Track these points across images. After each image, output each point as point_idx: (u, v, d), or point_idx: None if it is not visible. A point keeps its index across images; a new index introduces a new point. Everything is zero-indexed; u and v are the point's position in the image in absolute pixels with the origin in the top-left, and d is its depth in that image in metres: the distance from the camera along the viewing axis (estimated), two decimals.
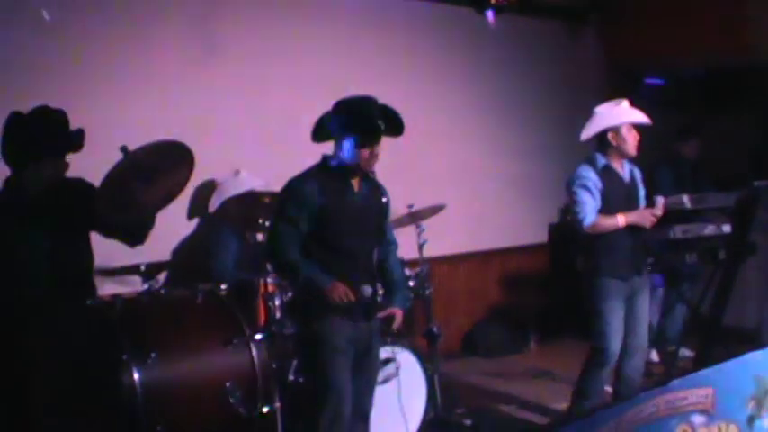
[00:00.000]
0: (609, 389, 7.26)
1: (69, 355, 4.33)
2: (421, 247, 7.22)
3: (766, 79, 9.28)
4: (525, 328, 9.82)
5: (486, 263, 9.75)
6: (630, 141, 6.42)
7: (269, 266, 5.66)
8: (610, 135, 6.42)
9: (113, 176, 4.72)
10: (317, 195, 5.12)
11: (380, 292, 5.57)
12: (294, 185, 5.21)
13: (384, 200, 5.48)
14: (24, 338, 4.48)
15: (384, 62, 8.71)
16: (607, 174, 6.44)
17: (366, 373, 5.43)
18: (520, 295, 9.90)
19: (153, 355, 4.04)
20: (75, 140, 4.90)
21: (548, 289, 9.76)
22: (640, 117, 6.44)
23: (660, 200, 6.35)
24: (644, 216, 6.34)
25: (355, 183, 5.30)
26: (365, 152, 5.17)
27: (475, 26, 9.32)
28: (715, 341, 6.39)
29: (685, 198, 7.32)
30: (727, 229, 7.01)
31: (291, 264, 5.09)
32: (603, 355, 6.44)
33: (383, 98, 8.55)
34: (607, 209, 6.38)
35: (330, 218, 5.14)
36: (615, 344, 6.42)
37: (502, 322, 9.70)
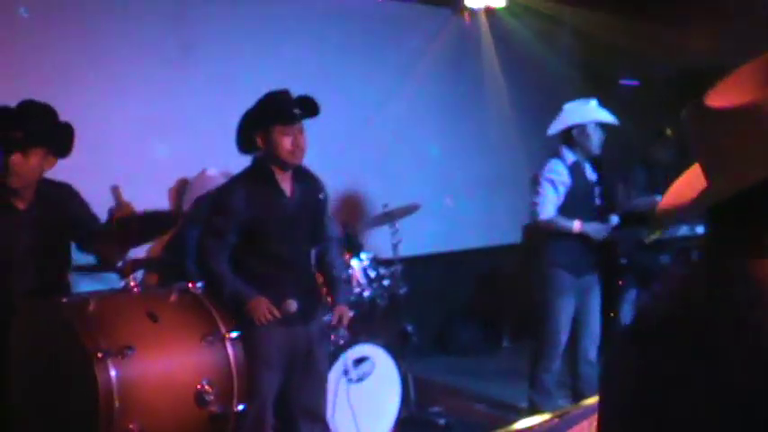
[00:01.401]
0: None
1: (44, 351, 4.33)
2: (395, 246, 7.24)
3: None
4: (498, 327, 9.87)
5: (460, 262, 9.77)
6: (595, 140, 6.49)
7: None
8: (575, 132, 6.49)
9: (102, 236, 4.89)
10: (243, 207, 5.09)
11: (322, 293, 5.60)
12: (220, 198, 5.22)
13: (321, 196, 5.45)
14: (3, 338, 4.49)
15: (357, 61, 8.72)
16: (576, 170, 6.51)
17: (312, 376, 5.44)
18: (493, 295, 9.93)
19: (128, 352, 4.04)
20: (64, 134, 4.87)
21: (521, 289, 9.80)
22: (607, 116, 6.51)
23: (615, 218, 6.47)
24: (599, 231, 6.45)
25: (287, 185, 5.25)
26: (286, 140, 5.09)
27: (448, 25, 9.35)
28: None
29: (658, 199, 7.36)
30: (700, 229, 7.06)
31: (218, 276, 5.08)
32: (554, 350, 6.65)
33: (357, 97, 8.62)
34: (570, 205, 6.46)
35: (258, 229, 5.14)
36: (563, 339, 6.67)
37: (475, 322, 9.74)
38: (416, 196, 7.77)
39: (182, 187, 7.21)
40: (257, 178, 5.19)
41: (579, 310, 6.68)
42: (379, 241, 7.91)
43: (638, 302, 8.81)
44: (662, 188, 7.63)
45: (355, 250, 7.01)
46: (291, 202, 5.25)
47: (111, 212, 4.90)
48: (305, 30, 8.32)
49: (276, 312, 5.02)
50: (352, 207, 8.60)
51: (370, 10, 8.88)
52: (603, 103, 6.63)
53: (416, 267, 8.50)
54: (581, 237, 6.46)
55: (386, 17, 9.02)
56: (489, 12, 9.57)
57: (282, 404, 5.40)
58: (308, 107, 5.18)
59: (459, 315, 9.80)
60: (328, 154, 8.20)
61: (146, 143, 7.05)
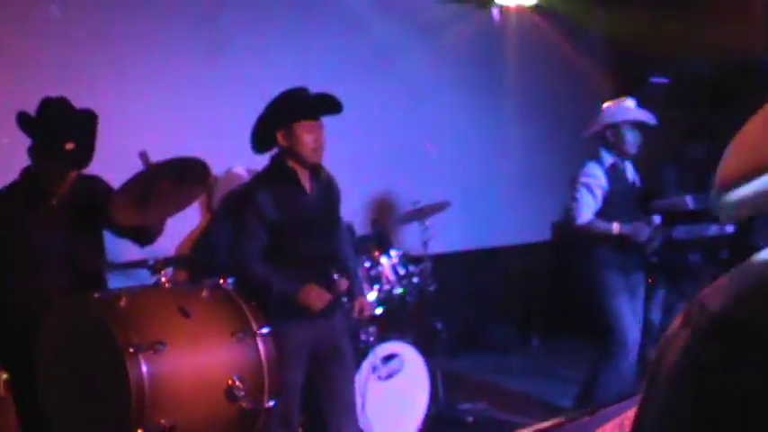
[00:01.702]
0: None
1: (76, 347, 4.35)
2: (425, 243, 7.24)
3: None
4: (528, 325, 9.85)
5: (490, 260, 9.76)
6: (630, 140, 6.44)
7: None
8: (609, 133, 6.45)
9: (130, 186, 4.77)
10: (270, 208, 5.08)
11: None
12: (248, 200, 5.18)
13: (335, 192, 5.47)
14: (36, 333, 4.52)
15: (386, 59, 8.72)
16: (614, 172, 6.47)
17: (341, 369, 5.46)
18: (523, 292, 9.91)
19: (160, 347, 4.06)
20: (88, 125, 4.86)
21: (551, 286, 9.77)
22: (642, 115, 6.46)
23: (656, 219, 6.43)
24: (639, 232, 6.37)
25: (306, 183, 5.26)
26: (309, 138, 5.09)
27: (479, 24, 9.34)
28: None
29: (688, 198, 7.33)
30: (730, 229, 7.02)
31: (262, 278, 5.07)
32: (624, 348, 6.54)
33: (387, 95, 8.61)
34: (611, 207, 6.42)
35: (284, 228, 5.13)
36: (634, 333, 6.57)
37: (505, 319, 9.73)
38: (447, 193, 7.77)
39: (210, 184, 7.23)
40: (280, 177, 5.20)
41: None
42: (409, 238, 7.91)
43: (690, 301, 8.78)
44: (693, 187, 7.63)
45: (385, 247, 7.01)
46: (312, 199, 5.27)
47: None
48: (335, 30, 8.33)
49: (328, 295, 5.05)
50: (383, 204, 8.61)
51: (401, 9, 8.88)
52: (637, 102, 6.61)
53: (446, 264, 8.50)
54: (631, 239, 6.41)
55: (418, 16, 9.02)
56: (520, 10, 9.55)
57: (311, 400, 5.42)
58: (331, 104, 5.17)
59: (489, 312, 9.79)
60: (359, 151, 8.23)
61: (174, 141, 7.06)
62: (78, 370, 4.31)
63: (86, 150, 4.80)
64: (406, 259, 7.08)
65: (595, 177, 6.46)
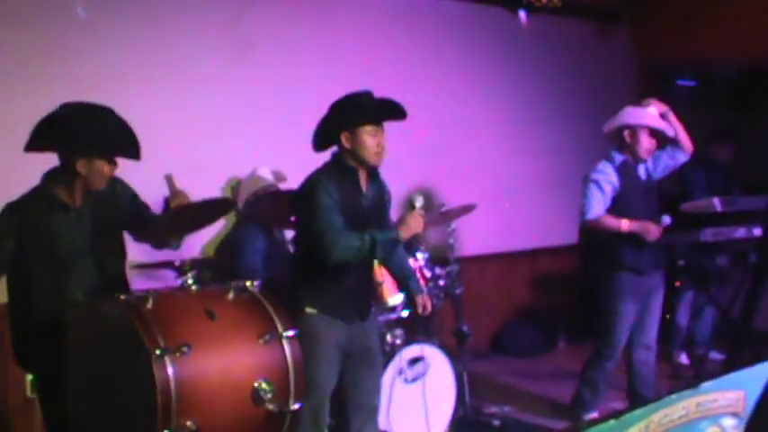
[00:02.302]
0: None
1: (102, 349, 4.37)
2: (451, 246, 7.23)
3: None
4: (554, 328, 9.83)
5: (516, 263, 9.76)
6: (645, 145, 6.48)
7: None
8: (626, 133, 6.49)
9: (158, 224, 4.99)
10: (336, 194, 5.10)
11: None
12: (319, 180, 5.15)
13: (387, 196, 5.55)
14: (63, 335, 4.54)
15: (414, 61, 8.72)
16: (624, 170, 6.50)
17: (370, 371, 5.47)
18: (549, 296, 9.90)
19: (185, 349, 4.07)
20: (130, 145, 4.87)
21: (577, 290, 9.74)
22: (659, 123, 6.48)
23: (666, 219, 6.41)
24: (647, 229, 6.38)
25: (363, 183, 5.31)
26: (372, 142, 5.15)
27: (507, 26, 9.34)
28: (745, 344, 6.39)
29: (716, 201, 7.30)
30: (757, 232, 6.99)
31: (363, 242, 5.00)
32: (613, 351, 6.68)
33: (414, 97, 8.56)
34: (624, 205, 6.44)
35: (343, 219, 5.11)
36: (623, 341, 6.67)
37: (531, 322, 9.72)
38: (474, 196, 7.76)
39: (234, 186, 7.25)
40: (341, 175, 5.21)
41: (639, 312, 6.65)
42: (436, 241, 7.90)
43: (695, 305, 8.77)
44: (719, 189, 7.61)
45: (411, 250, 7.01)
46: (367, 200, 5.31)
47: (167, 201, 4.93)
48: (362, 32, 8.33)
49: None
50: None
51: (428, 10, 8.88)
52: (664, 105, 6.59)
53: (473, 267, 8.51)
54: (640, 237, 6.42)
55: (444, 17, 9.02)
56: (546, 12, 9.52)
57: (338, 401, 5.44)
58: (395, 110, 5.30)
59: (516, 315, 9.78)
60: (388, 153, 8.22)
61: (198, 141, 7.08)
62: (104, 372, 4.32)
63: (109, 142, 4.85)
64: (433, 262, 7.08)
65: (605, 174, 6.50)
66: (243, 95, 7.34)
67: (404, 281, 6.01)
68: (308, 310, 5.15)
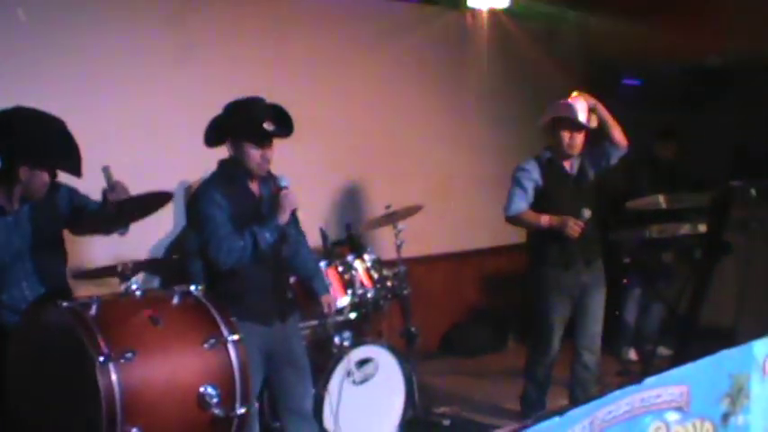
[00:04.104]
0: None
1: (45, 356, 4.32)
2: (398, 247, 7.23)
3: (745, 78, 9.32)
4: (503, 327, 9.85)
5: (465, 263, 9.77)
6: (565, 139, 6.43)
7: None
8: (549, 130, 6.47)
9: (97, 217, 5.00)
10: (223, 201, 5.10)
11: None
12: (204, 190, 5.20)
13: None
14: (4, 341, 4.49)
15: (358, 63, 8.71)
16: (548, 166, 6.47)
17: (296, 373, 5.46)
18: (498, 295, 9.92)
19: (130, 355, 4.03)
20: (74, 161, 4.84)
21: (525, 288, 9.77)
22: (574, 114, 6.37)
23: (586, 212, 6.32)
24: (567, 224, 6.28)
25: (255, 186, 5.31)
26: (256, 154, 5.16)
27: (453, 27, 9.35)
28: (691, 339, 6.43)
29: (661, 198, 7.35)
30: (702, 228, 7.04)
31: (245, 240, 5.05)
32: (546, 345, 6.64)
33: (357, 98, 8.61)
34: (548, 201, 6.41)
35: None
36: (555, 334, 6.60)
37: (480, 322, 9.74)
38: (419, 197, 7.76)
39: (183, 190, 7.20)
40: (229, 181, 5.24)
41: (576, 311, 6.61)
42: (383, 242, 7.90)
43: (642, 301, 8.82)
44: (665, 187, 7.65)
45: (358, 251, 7.01)
46: (263, 201, 5.31)
47: (105, 194, 4.88)
48: (308, 30, 8.31)
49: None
50: (355, 208, 8.59)
51: (373, 10, 8.87)
52: (606, 103, 6.55)
53: (420, 268, 8.50)
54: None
55: (389, 17, 9.01)
56: (492, 12, 9.56)
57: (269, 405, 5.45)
58: (282, 123, 5.23)
59: (464, 315, 9.80)
60: (331, 154, 8.21)
61: (146, 146, 7.03)
62: (48, 379, 4.28)
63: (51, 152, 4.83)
64: (380, 263, 7.07)
65: (526, 171, 6.48)
66: (186, 97, 7.28)
67: (307, 279, 5.96)
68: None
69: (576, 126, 6.38)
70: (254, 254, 5.08)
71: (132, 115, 6.98)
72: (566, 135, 6.42)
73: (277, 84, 7.24)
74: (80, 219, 5.10)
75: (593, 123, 6.43)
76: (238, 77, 7.48)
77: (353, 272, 6.81)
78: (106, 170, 4.87)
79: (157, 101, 7.15)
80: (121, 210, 4.83)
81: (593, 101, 6.46)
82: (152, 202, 5.00)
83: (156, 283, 7.03)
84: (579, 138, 6.43)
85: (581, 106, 6.40)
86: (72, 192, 5.13)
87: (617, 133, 6.48)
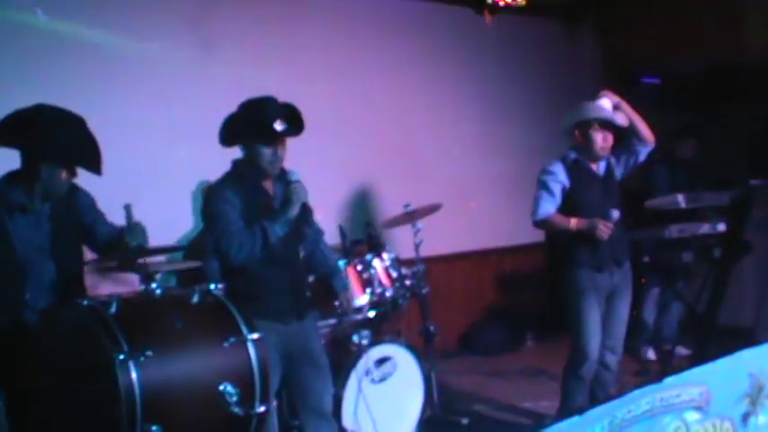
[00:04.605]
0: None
1: (65, 354, 4.34)
2: (417, 246, 7.22)
3: (764, 77, 9.28)
4: (522, 326, 9.84)
5: (483, 262, 9.77)
6: (598, 141, 6.31)
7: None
8: (576, 132, 6.37)
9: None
10: (235, 199, 5.11)
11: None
12: (216, 189, 5.22)
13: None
14: (26, 342, 4.50)
15: (380, 62, 8.73)
16: (576, 169, 6.35)
17: (314, 373, 5.43)
18: (516, 294, 9.92)
19: (149, 353, 4.04)
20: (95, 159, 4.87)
21: (544, 288, 9.76)
22: (607, 114, 6.30)
23: (615, 214, 6.25)
24: (596, 226, 6.16)
25: (269, 185, 5.30)
26: (267, 153, 5.15)
27: (471, 26, 9.34)
28: (711, 339, 6.41)
29: (680, 197, 7.31)
30: (722, 227, 7.01)
31: (255, 234, 5.05)
32: (586, 349, 6.37)
33: (378, 99, 8.62)
34: (577, 203, 6.32)
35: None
36: (594, 341, 6.37)
37: (498, 321, 9.73)
38: (439, 196, 7.76)
39: (204, 190, 7.20)
40: (241, 181, 5.23)
41: (604, 312, 6.51)
42: (402, 241, 7.90)
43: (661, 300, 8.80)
44: (684, 186, 7.60)
45: (377, 250, 7.00)
46: (276, 200, 5.29)
47: (122, 233, 4.93)
48: (328, 31, 8.34)
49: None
50: (374, 207, 8.60)
51: (392, 10, 8.88)
52: (627, 102, 6.51)
53: (439, 267, 8.50)
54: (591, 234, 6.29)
55: (407, 16, 9.02)
56: (511, 11, 9.53)
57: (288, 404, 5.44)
58: (293, 122, 5.21)
59: (483, 315, 9.79)
60: (351, 153, 8.22)
61: (167, 146, 7.06)
62: (68, 378, 4.29)
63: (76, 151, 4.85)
64: (399, 262, 7.07)
65: (552, 174, 6.36)
66: (208, 97, 7.28)
67: (327, 276, 5.94)
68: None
69: (608, 126, 6.32)
70: (265, 248, 5.08)
71: (153, 115, 6.99)
72: (599, 136, 6.29)
73: (297, 84, 7.25)
74: (95, 239, 5.19)
75: (624, 122, 6.36)
76: (258, 77, 7.48)
77: (372, 270, 6.80)
78: (128, 208, 4.92)
79: (178, 101, 7.17)
80: (133, 254, 4.86)
81: (617, 98, 6.40)
82: (163, 253, 5.03)
83: (172, 282, 7.06)
84: (611, 138, 6.35)
85: (608, 105, 6.35)
86: (90, 199, 5.20)
87: (644, 130, 6.39)
